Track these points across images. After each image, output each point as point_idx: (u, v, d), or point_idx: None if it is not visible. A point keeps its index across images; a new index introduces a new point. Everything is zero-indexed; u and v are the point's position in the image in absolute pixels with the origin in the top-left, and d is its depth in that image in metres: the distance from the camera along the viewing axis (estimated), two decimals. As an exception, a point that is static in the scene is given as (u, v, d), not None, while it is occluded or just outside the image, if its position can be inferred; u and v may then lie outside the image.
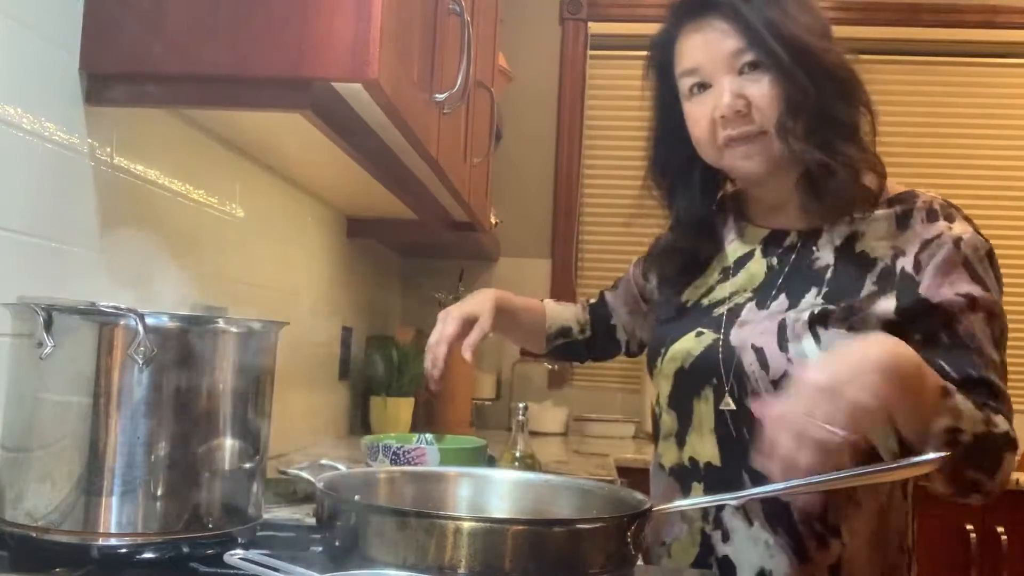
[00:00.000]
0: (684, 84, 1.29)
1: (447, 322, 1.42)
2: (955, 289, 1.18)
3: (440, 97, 1.65)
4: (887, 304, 1.20)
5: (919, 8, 3.34)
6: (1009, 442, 1.12)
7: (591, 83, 3.46)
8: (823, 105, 1.21)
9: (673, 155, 1.37)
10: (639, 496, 1.00)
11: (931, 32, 3.36)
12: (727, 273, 1.34)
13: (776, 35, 1.21)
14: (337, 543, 0.89)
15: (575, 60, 3.45)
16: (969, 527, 2.74)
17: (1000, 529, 2.74)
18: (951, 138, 3.37)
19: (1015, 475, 2.81)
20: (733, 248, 1.36)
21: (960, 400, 1.08)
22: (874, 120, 1.26)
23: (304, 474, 1.07)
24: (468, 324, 1.42)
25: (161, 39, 1.21)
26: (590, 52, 3.46)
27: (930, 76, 3.39)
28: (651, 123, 1.41)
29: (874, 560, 1.24)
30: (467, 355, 1.38)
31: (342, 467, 1.07)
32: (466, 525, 0.84)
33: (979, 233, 1.23)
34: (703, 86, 1.26)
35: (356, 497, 0.97)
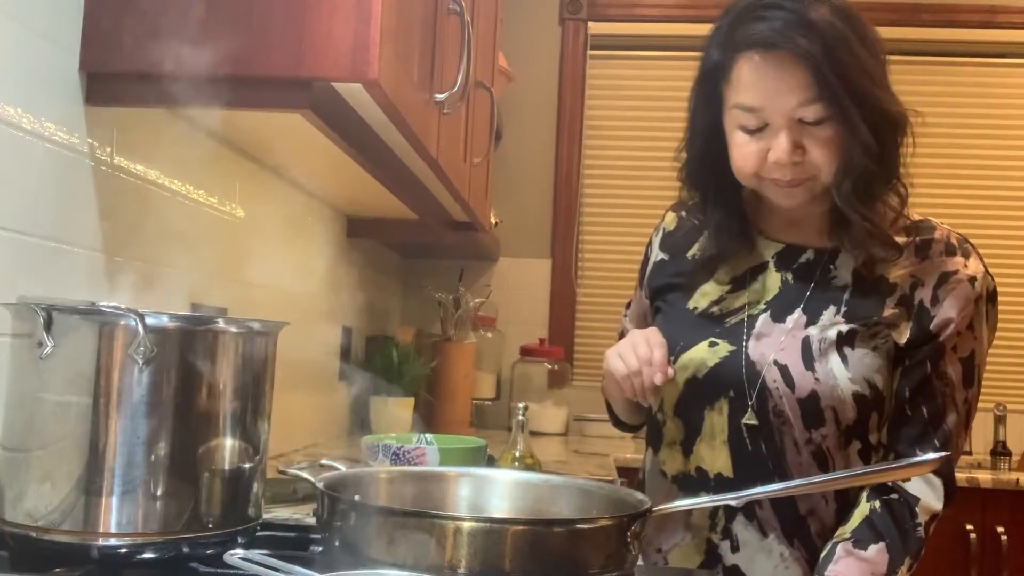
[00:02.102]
0: (736, 115, 1.23)
1: (654, 349, 1.24)
2: (957, 327, 1.24)
3: (440, 97, 1.65)
4: (903, 332, 1.24)
5: (919, 8, 3.34)
6: (934, 519, 1.23)
7: (591, 83, 3.46)
8: (877, 159, 1.19)
9: (709, 167, 1.32)
10: (639, 496, 1.00)
11: (931, 32, 3.36)
12: (738, 283, 1.32)
13: (849, 88, 1.16)
14: (337, 543, 0.89)
15: (575, 60, 3.45)
16: (969, 527, 2.74)
17: (1000, 529, 2.74)
18: (951, 138, 3.37)
19: (1015, 475, 2.81)
20: (742, 258, 1.33)
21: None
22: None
23: (304, 474, 1.07)
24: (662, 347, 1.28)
25: (161, 39, 1.21)
26: (590, 52, 3.45)
27: (930, 76, 3.38)
28: (689, 131, 1.33)
29: None
30: (671, 372, 1.25)
31: (342, 467, 1.07)
32: (466, 525, 0.84)
33: (988, 273, 1.28)
34: (758, 123, 1.21)
35: (356, 497, 0.97)
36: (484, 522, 0.87)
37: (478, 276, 3.36)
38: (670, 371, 1.22)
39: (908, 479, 1.21)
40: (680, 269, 1.38)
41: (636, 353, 1.24)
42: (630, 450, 2.83)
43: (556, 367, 3.27)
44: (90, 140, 1.26)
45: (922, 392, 1.24)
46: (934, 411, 1.24)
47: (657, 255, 1.43)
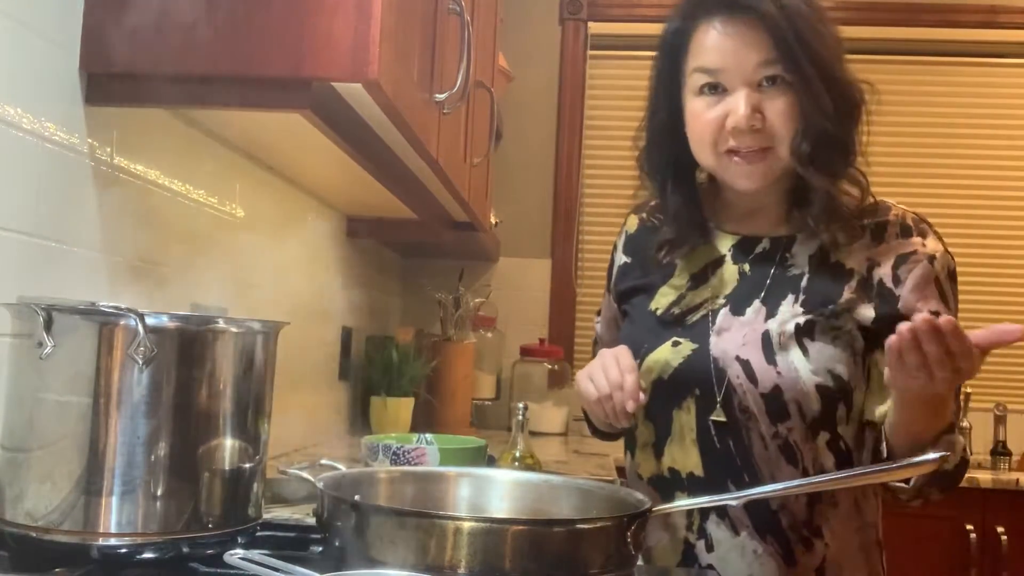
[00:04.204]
0: (696, 79, 1.24)
1: (625, 374, 1.20)
2: (927, 306, 1.21)
3: (440, 97, 1.65)
4: (866, 312, 1.23)
5: (919, 8, 3.34)
6: (966, 466, 1.22)
7: (591, 83, 3.46)
8: (836, 128, 1.20)
9: (668, 149, 1.32)
10: (639, 496, 1.00)
11: (931, 32, 3.37)
12: (697, 279, 1.32)
13: (808, 52, 1.18)
14: (337, 543, 0.89)
15: (575, 60, 3.45)
16: (969, 527, 2.74)
17: (1000, 529, 2.74)
18: (951, 138, 3.37)
19: (1015, 475, 2.81)
20: (700, 253, 1.33)
21: (955, 435, 1.16)
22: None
23: (304, 474, 1.07)
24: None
25: (161, 39, 1.21)
26: (590, 52, 3.46)
27: (930, 76, 3.39)
28: (649, 110, 1.35)
29: (855, 557, 1.26)
30: (643, 397, 1.22)
31: (342, 467, 1.07)
32: (466, 525, 0.84)
33: (947, 252, 1.27)
34: (717, 88, 1.22)
35: (356, 497, 0.97)
36: (484, 522, 0.87)
37: (478, 276, 3.36)
38: (642, 397, 1.19)
39: (931, 469, 1.15)
40: (642, 271, 1.38)
41: (607, 376, 1.21)
42: (630, 450, 2.82)
43: (556, 367, 3.27)
44: (90, 140, 1.26)
45: None
46: None
47: (621, 259, 1.43)
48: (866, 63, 3.29)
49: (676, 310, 1.31)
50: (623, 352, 1.25)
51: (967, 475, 2.81)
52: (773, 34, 1.18)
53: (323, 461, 1.11)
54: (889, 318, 1.20)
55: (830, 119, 1.19)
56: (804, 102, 1.19)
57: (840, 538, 1.24)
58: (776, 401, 1.21)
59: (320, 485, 0.94)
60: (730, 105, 1.20)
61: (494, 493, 1.11)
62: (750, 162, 1.22)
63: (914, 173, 3.27)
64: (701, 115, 1.23)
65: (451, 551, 0.82)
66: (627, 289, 1.40)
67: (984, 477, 2.76)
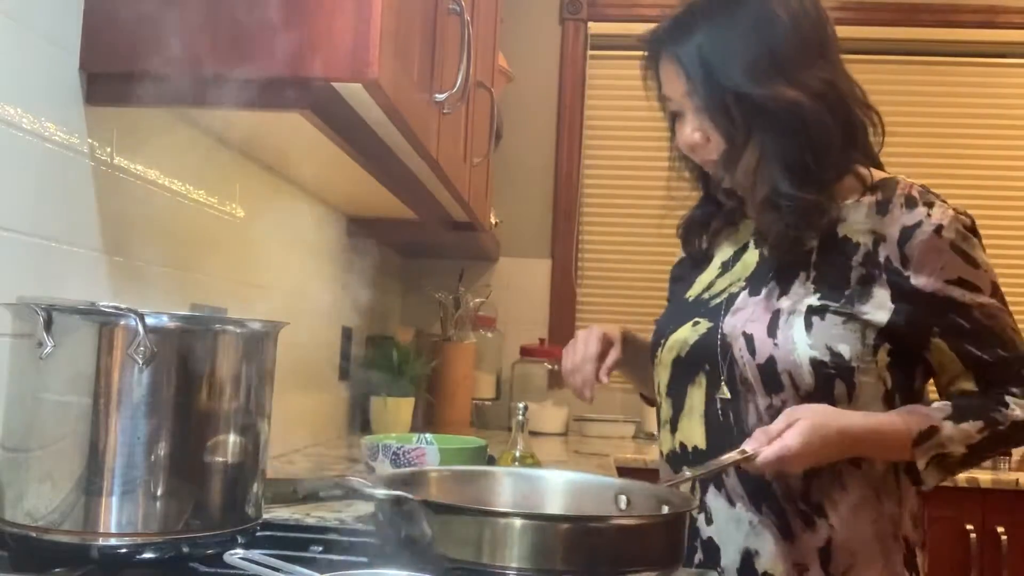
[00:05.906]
0: (665, 104, 1.34)
1: (590, 342, 1.37)
2: (950, 275, 1.22)
3: (440, 97, 1.65)
4: (881, 305, 1.22)
5: (919, 8, 3.34)
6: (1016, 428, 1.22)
7: (591, 83, 3.46)
8: (767, 146, 1.23)
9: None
10: (682, 493, 1.05)
11: (931, 32, 3.36)
12: (725, 267, 1.38)
13: (710, 83, 1.24)
14: (402, 537, 0.91)
15: (575, 60, 3.45)
16: (969, 527, 2.74)
17: (1000, 529, 2.74)
18: (951, 138, 3.37)
19: (1015, 475, 2.81)
20: (731, 242, 1.40)
21: (945, 434, 1.19)
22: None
23: (359, 479, 1.06)
24: (607, 344, 1.40)
25: (161, 39, 1.21)
26: (590, 52, 3.46)
27: (930, 76, 3.39)
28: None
29: (869, 547, 1.25)
30: (604, 378, 1.37)
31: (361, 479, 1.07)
32: (563, 526, 0.89)
33: (960, 212, 1.25)
34: (677, 111, 1.31)
35: (426, 497, 0.98)
36: (540, 519, 0.92)
37: (478, 276, 3.36)
38: (604, 380, 1.34)
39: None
40: (688, 264, 1.47)
41: (573, 356, 1.38)
42: (630, 450, 2.83)
43: (556, 367, 3.26)
44: (90, 140, 1.26)
45: (980, 338, 1.23)
46: (1004, 345, 1.25)
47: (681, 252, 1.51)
48: (866, 63, 3.30)
49: (705, 295, 1.38)
50: (594, 335, 1.38)
51: (967, 475, 2.79)
52: (682, 69, 1.27)
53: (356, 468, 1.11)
54: (913, 309, 1.22)
55: (756, 140, 1.23)
56: (721, 127, 1.25)
57: (850, 525, 1.24)
58: (771, 372, 1.24)
59: (380, 487, 0.95)
60: (683, 126, 1.31)
61: (543, 491, 1.15)
62: (714, 167, 1.31)
63: (913, 173, 3.24)
64: (676, 135, 1.34)
65: (511, 547, 0.86)
66: (675, 276, 1.51)
67: (984, 477, 2.76)
